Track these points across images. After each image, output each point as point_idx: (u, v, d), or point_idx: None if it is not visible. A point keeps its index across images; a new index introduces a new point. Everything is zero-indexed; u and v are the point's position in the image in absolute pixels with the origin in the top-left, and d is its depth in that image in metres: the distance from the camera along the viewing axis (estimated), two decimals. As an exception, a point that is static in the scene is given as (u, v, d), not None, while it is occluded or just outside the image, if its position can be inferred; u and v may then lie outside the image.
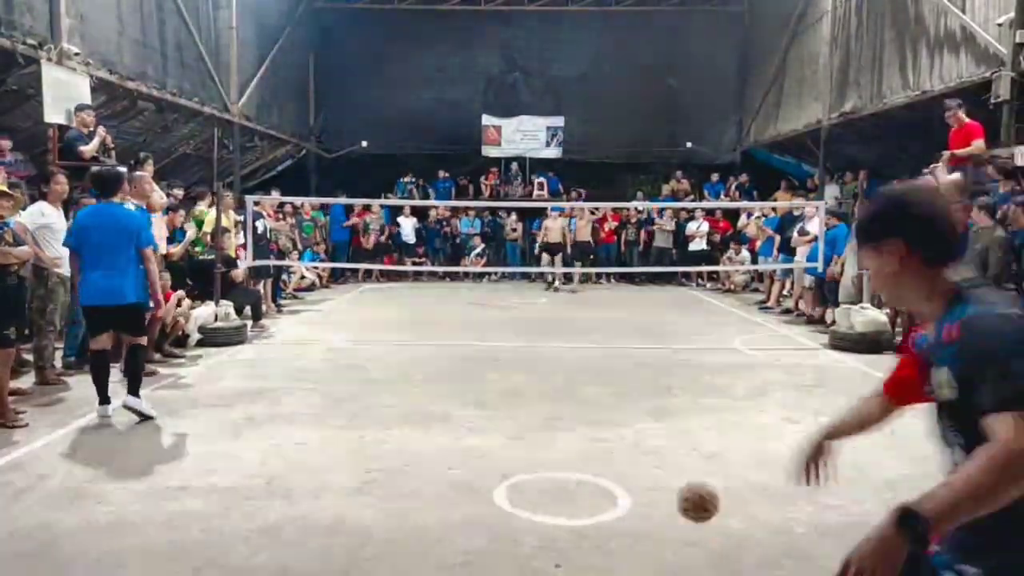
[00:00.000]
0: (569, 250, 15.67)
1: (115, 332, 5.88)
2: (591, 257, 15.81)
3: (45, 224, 6.52)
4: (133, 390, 5.63)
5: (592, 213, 16.58)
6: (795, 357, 8.22)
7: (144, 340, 6.06)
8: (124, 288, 5.57)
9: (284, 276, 13.10)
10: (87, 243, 5.58)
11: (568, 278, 15.60)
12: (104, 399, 5.58)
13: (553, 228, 15.41)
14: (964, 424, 1.55)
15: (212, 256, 9.23)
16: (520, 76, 20.47)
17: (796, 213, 11.87)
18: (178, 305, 8.03)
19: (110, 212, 5.70)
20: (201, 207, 10.32)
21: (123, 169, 7.05)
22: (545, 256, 15.48)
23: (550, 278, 14.63)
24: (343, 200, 16.03)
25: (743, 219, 15.94)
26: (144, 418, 5.52)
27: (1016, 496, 1.41)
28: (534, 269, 14.85)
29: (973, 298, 1.58)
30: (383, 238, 16.76)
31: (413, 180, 18.68)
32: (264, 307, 10.74)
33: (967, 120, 8.73)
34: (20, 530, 3.64)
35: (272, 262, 11.39)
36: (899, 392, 1.87)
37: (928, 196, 1.70)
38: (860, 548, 1.46)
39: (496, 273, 16.54)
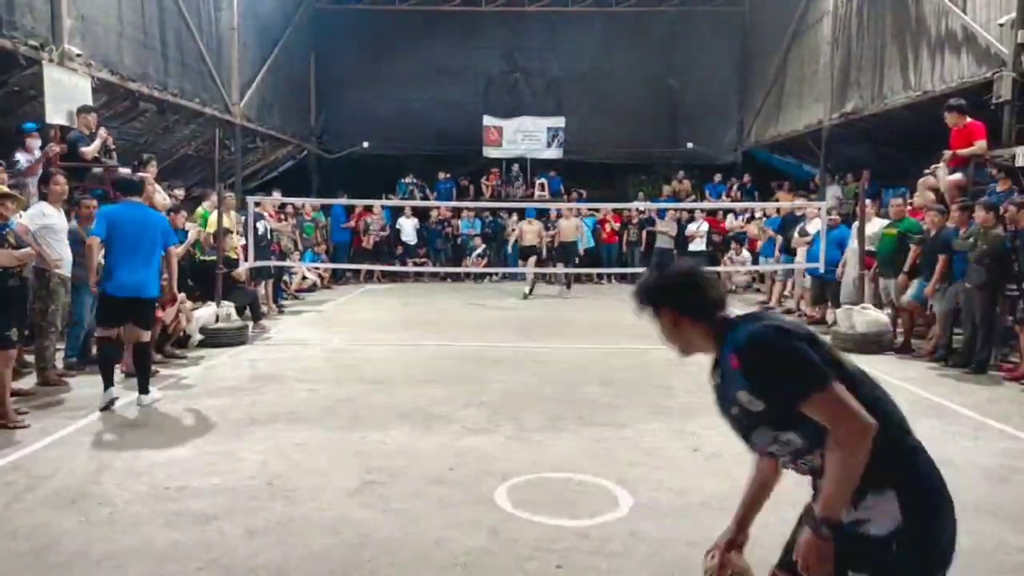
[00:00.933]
0: (546, 253, 15.55)
1: (130, 323, 6.01)
2: (575, 259, 15.65)
3: (46, 224, 6.52)
4: (143, 387, 5.95)
5: (593, 213, 16.53)
6: (796, 357, 8.20)
7: (148, 336, 6.24)
8: (151, 282, 6.00)
9: (285, 277, 13.11)
10: (122, 238, 5.86)
11: (554, 279, 15.54)
12: (109, 383, 5.77)
13: (528, 231, 15.37)
14: (784, 423, 1.93)
15: (213, 257, 9.24)
16: (521, 77, 20.46)
17: (798, 214, 11.86)
18: (177, 306, 8.02)
19: (143, 212, 6.14)
20: (201, 209, 10.34)
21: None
22: (523, 261, 15.24)
23: (528, 288, 14.31)
24: (344, 201, 16.01)
25: (731, 219, 15.96)
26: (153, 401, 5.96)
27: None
28: (533, 270, 14.79)
29: (738, 328, 1.98)
30: (384, 234, 16.75)
31: (414, 181, 18.68)
32: (265, 308, 10.75)
33: (969, 120, 8.73)
34: (20, 530, 3.65)
35: (273, 263, 11.39)
36: None
37: (686, 275, 2.12)
38: (801, 554, 1.89)
39: (497, 274, 16.53)
